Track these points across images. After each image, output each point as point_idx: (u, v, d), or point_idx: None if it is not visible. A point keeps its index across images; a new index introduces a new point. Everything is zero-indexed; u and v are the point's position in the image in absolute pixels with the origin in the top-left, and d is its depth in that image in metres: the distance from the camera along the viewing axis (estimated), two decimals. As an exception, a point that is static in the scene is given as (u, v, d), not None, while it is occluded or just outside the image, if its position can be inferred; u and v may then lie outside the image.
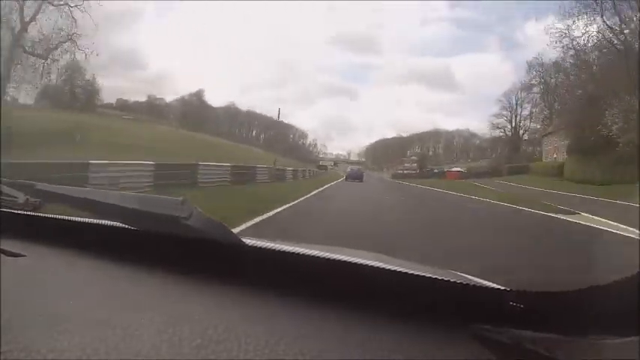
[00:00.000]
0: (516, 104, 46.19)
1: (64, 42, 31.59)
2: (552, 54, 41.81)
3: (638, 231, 6.51)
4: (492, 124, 48.60)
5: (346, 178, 32.21)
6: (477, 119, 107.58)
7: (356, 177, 31.15)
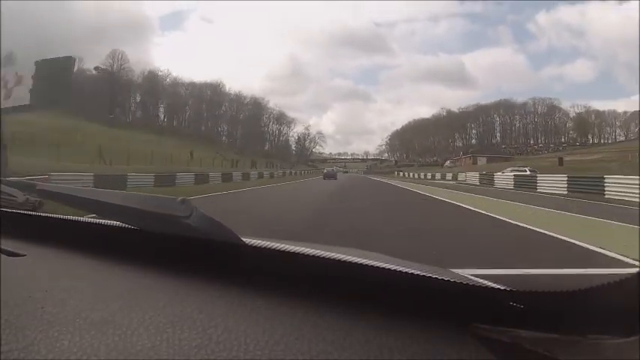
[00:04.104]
0: None
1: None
2: None
3: None
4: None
5: (324, 177, 39.42)
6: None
7: (331, 176, 39.17)
